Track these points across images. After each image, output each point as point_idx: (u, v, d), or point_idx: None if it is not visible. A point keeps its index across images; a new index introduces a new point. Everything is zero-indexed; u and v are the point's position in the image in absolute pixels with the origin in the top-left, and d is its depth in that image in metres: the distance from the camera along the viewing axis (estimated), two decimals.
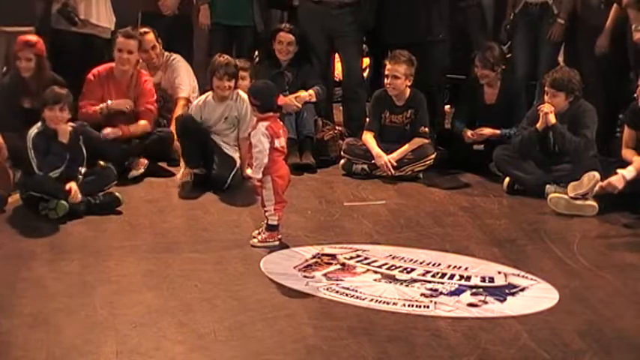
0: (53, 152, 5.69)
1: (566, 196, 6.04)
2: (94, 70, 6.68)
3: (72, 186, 5.63)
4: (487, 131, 6.90)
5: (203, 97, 6.59)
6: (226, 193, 6.21)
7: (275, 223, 5.23)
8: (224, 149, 6.45)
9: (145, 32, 7.02)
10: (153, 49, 7.03)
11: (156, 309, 4.35)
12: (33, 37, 6.37)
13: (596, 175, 6.01)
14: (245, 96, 6.43)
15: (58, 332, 4.09)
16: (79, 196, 5.63)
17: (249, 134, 5.23)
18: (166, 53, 7.12)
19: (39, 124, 5.76)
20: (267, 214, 5.23)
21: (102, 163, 6.15)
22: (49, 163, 5.67)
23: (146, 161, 6.50)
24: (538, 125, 6.37)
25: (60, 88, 5.90)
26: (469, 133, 6.90)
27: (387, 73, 6.80)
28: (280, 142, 5.20)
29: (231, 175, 6.27)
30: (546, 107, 6.35)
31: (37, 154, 5.69)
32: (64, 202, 5.57)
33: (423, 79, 6.99)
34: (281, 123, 5.32)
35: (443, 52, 7.33)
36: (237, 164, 6.35)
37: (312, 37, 7.32)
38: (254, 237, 5.26)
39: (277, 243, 5.24)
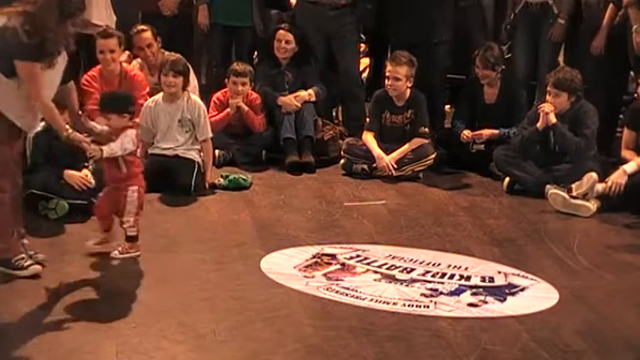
0: (55, 152, 5.67)
1: (565, 194, 6.04)
2: (86, 76, 6.67)
3: (87, 173, 5.62)
4: (485, 132, 6.89)
5: (154, 97, 6.41)
6: (226, 193, 6.21)
7: (135, 234, 5.01)
8: (180, 155, 6.27)
9: (142, 30, 6.98)
10: (149, 47, 6.95)
11: (156, 309, 4.35)
12: None
13: (594, 175, 6.00)
14: (197, 98, 6.40)
15: (58, 332, 4.09)
16: (92, 180, 5.60)
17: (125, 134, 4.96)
18: (167, 53, 7.12)
19: (42, 123, 5.74)
20: (125, 225, 4.97)
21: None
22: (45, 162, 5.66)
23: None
24: (538, 125, 6.37)
25: None
26: (465, 133, 6.90)
27: (387, 74, 6.79)
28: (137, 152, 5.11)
29: (194, 178, 6.15)
30: (547, 107, 6.35)
31: (37, 152, 5.66)
32: (64, 202, 5.57)
33: (425, 80, 6.99)
34: None
35: (445, 52, 7.32)
36: (196, 163, 6.22)
37: (310, 37, 7.31)
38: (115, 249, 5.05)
39: (139, 253, 5.02)
